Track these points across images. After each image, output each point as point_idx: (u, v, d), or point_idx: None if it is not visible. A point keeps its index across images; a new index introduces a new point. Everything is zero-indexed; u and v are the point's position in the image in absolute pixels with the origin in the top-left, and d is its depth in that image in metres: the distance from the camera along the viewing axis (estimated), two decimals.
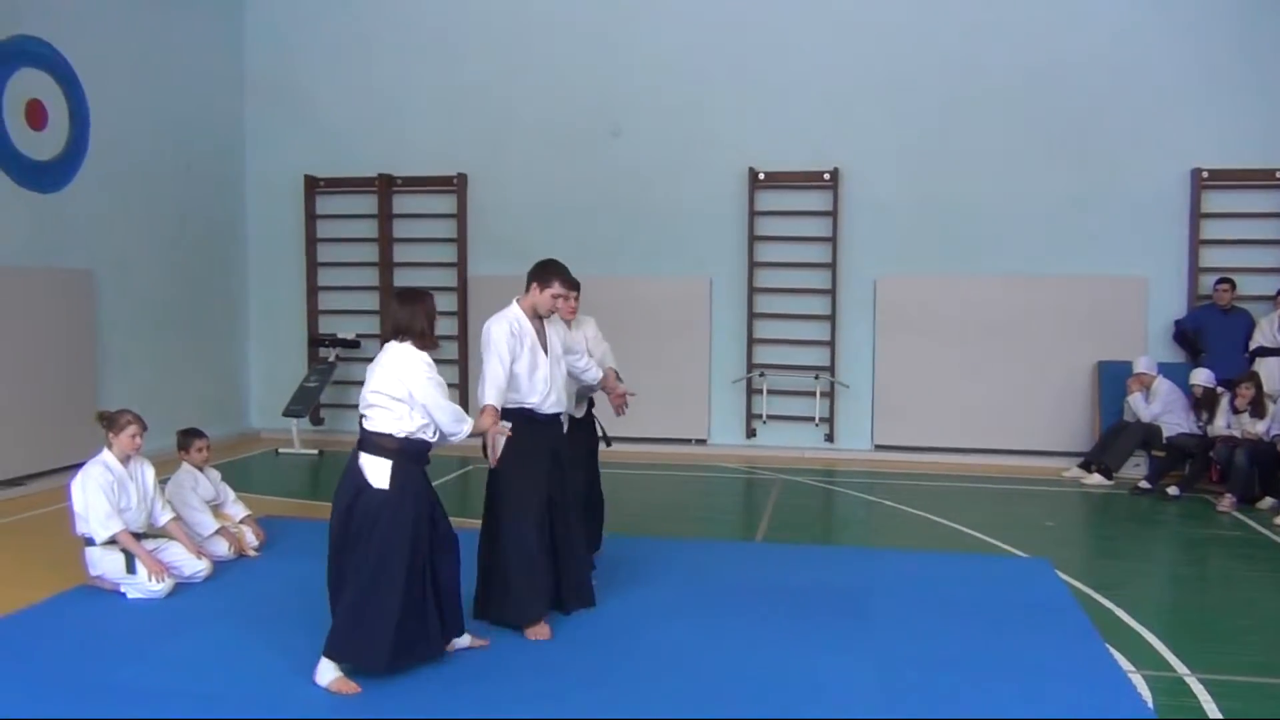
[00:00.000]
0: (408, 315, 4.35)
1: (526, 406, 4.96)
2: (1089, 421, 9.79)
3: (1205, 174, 9.58)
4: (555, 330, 5.17)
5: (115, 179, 9.47)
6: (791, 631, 4.95)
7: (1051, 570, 6.08)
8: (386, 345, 4.39)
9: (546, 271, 5.08)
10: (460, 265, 10.99)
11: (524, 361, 4.91)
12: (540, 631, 4.83)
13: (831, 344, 10.32)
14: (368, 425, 4.31)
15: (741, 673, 4.44)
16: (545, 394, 5.01)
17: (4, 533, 7.01)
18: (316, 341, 11.18)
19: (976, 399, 10.02)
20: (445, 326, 9.94)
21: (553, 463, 5.04)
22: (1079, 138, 9.83)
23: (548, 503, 4.98)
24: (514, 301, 5.08)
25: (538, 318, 5.08)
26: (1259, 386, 8.45)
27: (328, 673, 4.22)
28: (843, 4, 10.20)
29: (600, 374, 5.55)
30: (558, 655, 4.65)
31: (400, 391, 4.25)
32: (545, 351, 5.04)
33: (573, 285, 5.32)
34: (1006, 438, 9.97)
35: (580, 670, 4.47)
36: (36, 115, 8.61)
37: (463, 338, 10.82)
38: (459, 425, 4.35)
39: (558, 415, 5.13)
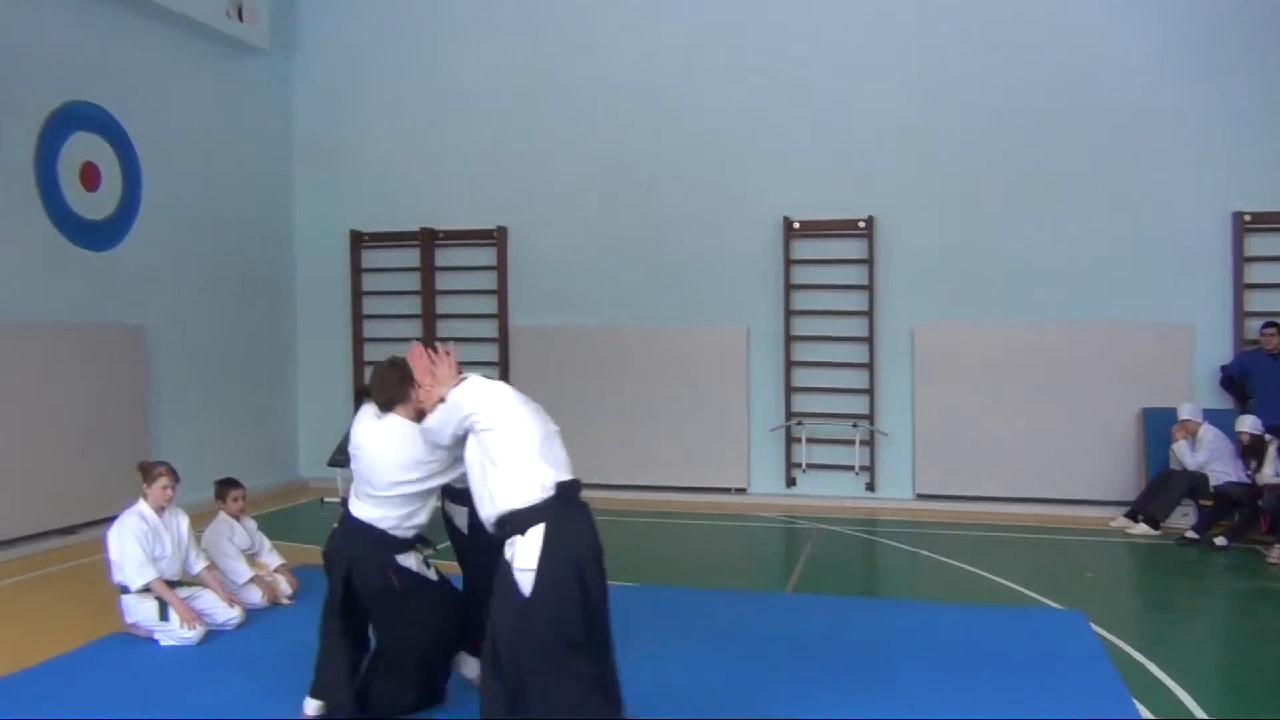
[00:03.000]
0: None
1: None
2: (1135, 470, 9.59)
3: (1247, 217, 9.43)
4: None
5: (166, 236, 9.81)
6: (807, 685, 4.91)
7: (1085, 623, 5.96)
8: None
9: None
10: (501, 316, 11.15)
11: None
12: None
13: (870, 391, 10.27)
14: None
15: None
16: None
17: (52, 580, 7.24)
18: (363, 392, 11.32)
19: (1019, 447, 9.87)
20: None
21: None
22: (1116, 181, 9.73)
23: None
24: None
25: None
26: None
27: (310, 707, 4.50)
28: (874, 52, 10.26)
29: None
30: None
31: None
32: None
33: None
34: (1050, 486, 9.79)
35: None
36: (90, 177, 8.97)
37: None
38: None
39: None
